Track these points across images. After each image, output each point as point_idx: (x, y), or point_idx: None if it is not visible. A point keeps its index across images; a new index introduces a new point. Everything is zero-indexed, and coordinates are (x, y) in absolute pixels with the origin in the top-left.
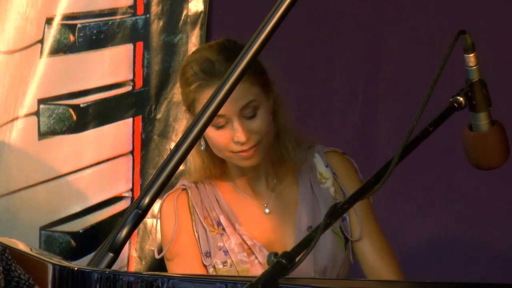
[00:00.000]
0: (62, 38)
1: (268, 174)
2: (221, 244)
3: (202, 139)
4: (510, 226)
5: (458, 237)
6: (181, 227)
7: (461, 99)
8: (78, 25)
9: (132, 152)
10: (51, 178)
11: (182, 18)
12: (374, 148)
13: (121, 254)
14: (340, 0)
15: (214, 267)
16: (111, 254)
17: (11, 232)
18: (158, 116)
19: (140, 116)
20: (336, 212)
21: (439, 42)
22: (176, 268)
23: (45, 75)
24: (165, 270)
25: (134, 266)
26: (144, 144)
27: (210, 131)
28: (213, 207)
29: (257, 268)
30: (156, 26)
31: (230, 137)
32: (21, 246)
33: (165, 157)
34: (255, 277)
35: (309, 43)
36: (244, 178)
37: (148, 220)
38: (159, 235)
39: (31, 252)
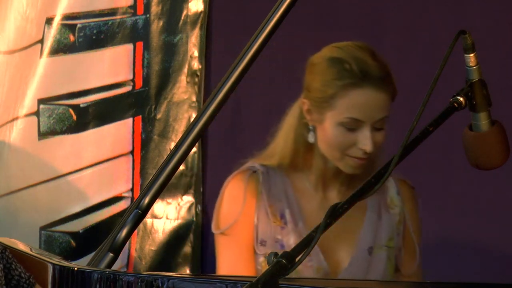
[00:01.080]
0: (62, 38)
1: (343, 182)
2: (279, 237)
3: (312, 132)
4: (510, 226)
5: (458, 237)
6: (244, 209)
7: (461, 99)
8: (78, 25)
9: (132, 152)
10: (51, 178)
11: (182, 18)
12: None
13: (121, 254)
14: (340, 0)
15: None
16: (111, 254)
17: (11, 232)
18: (158, 116)
19: (140, 116)
20: (336, 212)
21: (439, 42)
22: (225, 247)
23: (45, 75)
24: (165, 270)
25: (134, 266)
26: (144, 144)
27: (338, 129)
28: (281, 198)
29: (308, 271)
30: (156, 26)
31: (355, 141)
32: (21, 246)
33: (165, 157)
34: (255, 277)
35: (309, 43)
36: (320, 179)
37: (148, 220)
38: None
39: (31, 252)
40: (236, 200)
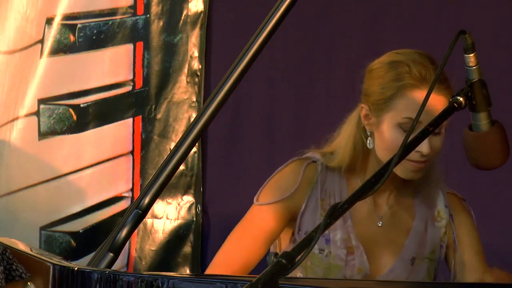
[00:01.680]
0: (62, 38)
1: (393, 190)
2: (326, 231)
3: (370, 137)
4: (510, 226)
5: None
6: (294, 194)
7: (461, 99)
8: (78, 25)
9: (132, 152)
10: (51, 178)
11: (182, 18)
12: None
13: (121, 254)
14: (340, 0)
15: None
16: (111, 254)
17: (11, 232)
18: (158, 116)
19: (140, 116)
20: (336, 212)
21: (439, 42)
22: (253, 214)
23: (45, 75)
24: (165, 270)
25: (134, 266)
26: (144, 144)
27: (396, 131)
28: (334, 194)
29: (350, 270)
30: (156, 26)
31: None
32: (21, 246)
33: (165, 157)
34: (255, 276)
35: (309, 43)
36: None
37: (148, 220)
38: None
39: (31, 252)
40: (287, 182)
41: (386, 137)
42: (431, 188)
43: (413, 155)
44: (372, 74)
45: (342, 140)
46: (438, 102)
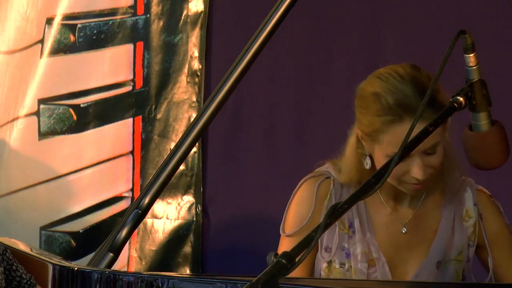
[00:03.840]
0: (62, 38)
1: (414, 196)
2: (346, 245)
3: (368, 157)
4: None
5: None
6: (312, 215)
7: (461, 99)
8: (78, 25)
9: (132, 152)
10: (51, 178)
11: (182, 18)
12: None
13: (121, 254)
14: (339, 0)
15: (329, 263)
16: (111, 254)
17: (11, 232)
18: (158, 116)
19: (140, 116)
20: (336, 212)
21: (439, 42)
22: (285, 247)
23: (45, 75)
24: (165, 270)
25: (134, 266)
26: (144, 144)
27: (384, 160)
28: (351, 209)
29: None
30: (156, 26)
31: (407, 169)
32: (21, 246)
33: (165, 157)
34: (255, 276)
35: (309, 43)
36: (391, 191)
37: (148, 220)
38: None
39: (31, 252)
40: (304, 206)
41: (381, 163)
42: (458, 179)
43: (409, 179)
44: (360, 101)
45: (346, 156)
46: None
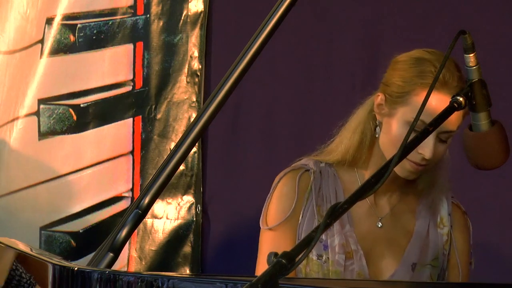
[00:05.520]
0: (62, 38)
1: (395, 190)
2: (323, 237)
3: (378, 127)
4: (510, 226)
5: None
6: (295, 208)
7: (461, 99)
8: (78, 25)
9: (132, 152)
10: (51, 178)
11: (182, 18)
12: None
13: (121, 254)
14: (339, 0)
15: (307, 256)
16: (111, 254)
17: (11, 232)
18: (158, 116)
19: (140, 116)
20: (336, 212)
21: (439, 42)
22: (269, 243)
23: (45, 75)
24: (165, 270)
25: (134, 266)
26: (144, 144)
27: (404, 128)
28: (330, 199)
29: (349, 275)
30: (156, 26)
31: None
32: (21, 246)
33: (165, 157)
34: (255, 276)
35: (309, 43)
36: None
37: (148, 220)
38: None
39: (31, 252)
40: (286, 198)
41: (393, 130)
42: (436, 193)
43: (414, 156)
44: (396, 65)
45: (351, 127)
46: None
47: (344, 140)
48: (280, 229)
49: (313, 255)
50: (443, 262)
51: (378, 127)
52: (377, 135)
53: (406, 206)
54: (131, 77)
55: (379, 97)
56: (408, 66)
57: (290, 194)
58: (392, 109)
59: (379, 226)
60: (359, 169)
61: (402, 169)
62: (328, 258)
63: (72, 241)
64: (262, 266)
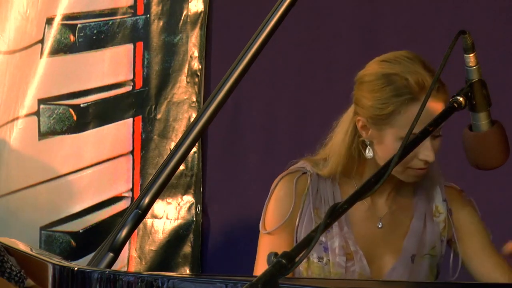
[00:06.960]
0: (62, 38)
1: (391, 189)
2: (323, 239)
3: (369, 148)
4: (510, 226)
5: None
6: (293, 211)
7: (461, 99)
8: (78, 25)
9: (132, 152)
10: (51, 178)
11: (182, 18)
12: None
13: (121, 254)
14: (339, 0)
15: (308, 258)
16: (111, 254)
17: (11, 232)
18: (158, 116)
19: (140, 116)
20: (336, 212)
21: (439, 42)
22: (268, 246)
23: (45, 75)
24: (165, 270)
25: (134, 266)
26: (144, 144)
27: (396, 144)
28: (328, 202)
29: (351, 276)
30: (156, 26)
31: (416, 153)
32: (21, 246)
33: (165, 157)
34: (255, 276)
35: (309, 43)
36: None
37: (148, 220)
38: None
39: (31, 252)
40: (284, 203)
41: (389, 150)
42: (428, 184)
43: (417, 163)
44: (364, 86)
45: (336, 146)
46: (435, 109)
47: (330, 160)
48: (278, 233)
49: (314, 258)
50: (441, 250)
51: (369, 147)
52: (369, 157)
53: (402, 203)
54: (131, 77)
55: (360, 121)
56: (380, 87)
57: (287, 198)
58: (379, 130)
59: (380, 226)
60: (354, 178)
61: (407, 176)
62: (329, 260)
63: (72, 241)
64: (260, 269)
